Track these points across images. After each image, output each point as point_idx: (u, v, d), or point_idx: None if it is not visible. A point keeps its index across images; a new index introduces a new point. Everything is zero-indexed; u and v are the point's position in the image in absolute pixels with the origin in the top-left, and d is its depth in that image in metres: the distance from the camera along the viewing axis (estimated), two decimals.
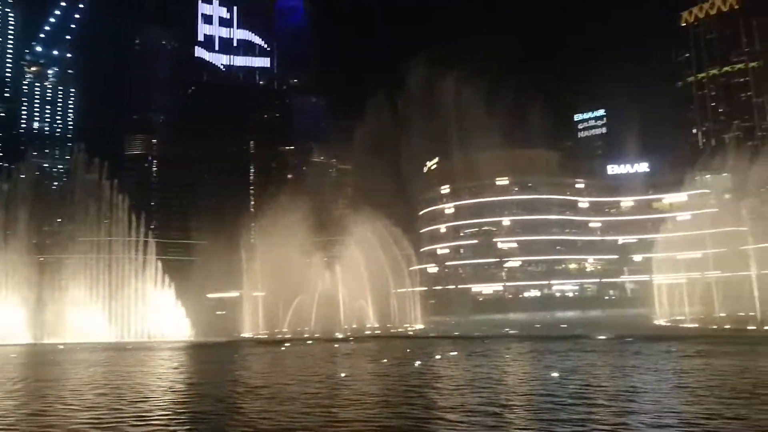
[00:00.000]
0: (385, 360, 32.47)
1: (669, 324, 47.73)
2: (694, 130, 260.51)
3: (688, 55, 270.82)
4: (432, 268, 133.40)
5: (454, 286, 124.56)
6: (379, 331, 57.78)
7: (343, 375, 26.31)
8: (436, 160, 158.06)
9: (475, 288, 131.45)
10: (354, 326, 58.02)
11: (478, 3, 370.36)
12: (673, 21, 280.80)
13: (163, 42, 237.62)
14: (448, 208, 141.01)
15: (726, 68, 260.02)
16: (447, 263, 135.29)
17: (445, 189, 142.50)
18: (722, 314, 50.54)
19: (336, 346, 45.60)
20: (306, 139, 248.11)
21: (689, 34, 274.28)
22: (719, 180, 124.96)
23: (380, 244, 65.19)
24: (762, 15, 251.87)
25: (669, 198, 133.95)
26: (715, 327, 44.98)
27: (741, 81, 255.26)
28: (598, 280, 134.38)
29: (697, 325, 46.09)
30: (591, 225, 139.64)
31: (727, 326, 44.21)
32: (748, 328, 42.23)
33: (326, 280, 59.73)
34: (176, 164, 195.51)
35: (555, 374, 23.98)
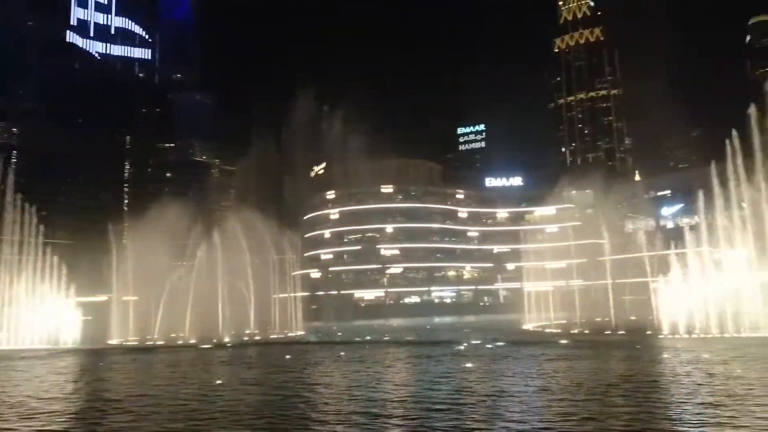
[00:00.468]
0: (263, 367, 31.71)
1: (536, 329, 50.87)
2: (563, 149, 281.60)
3: (559, 78, 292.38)
4: (315, 273, 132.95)
5: (336, 292, 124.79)
6: (258, 337, 56.44)
7: (218, 382, 25.35)
8: (323, 165, 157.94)
9: (358, 294, 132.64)
10: (232, 332, 56.19)
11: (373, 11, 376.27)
12: (548, 46, 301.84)
13: (30, 23, 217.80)
14: (333, 213, 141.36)
15: (591, 93, 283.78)
16: (330, 268, 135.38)
17: (331, 194, 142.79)
18: (582, 320, 54.77)
19: (212, 352, 43.94)
20: (188, 137, 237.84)
21: (561, 60, 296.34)
22: (583, 196, 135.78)
23: (261, 248, 63.82)
24: (624, 47, 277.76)
25: (539, 211, 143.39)
26: (575, 332, 48.48)
27: (604, 106, 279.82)
28: (474, 287, 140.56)
29: (560, 330, 49.47)
30: (469, 234, 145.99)
31: (586, 331, 47.87)
32: (605, 333, 45.98)
33: (202, 283, 57.32)
34: (41, 156, 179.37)
35: (429, 378, 24.64)
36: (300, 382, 25.74)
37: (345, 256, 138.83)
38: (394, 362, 32.99)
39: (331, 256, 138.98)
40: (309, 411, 18.67)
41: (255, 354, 41.66)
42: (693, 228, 55.32)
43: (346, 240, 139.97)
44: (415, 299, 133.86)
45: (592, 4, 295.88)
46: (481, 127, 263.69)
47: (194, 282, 55.73)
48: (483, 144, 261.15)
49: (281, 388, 23.89)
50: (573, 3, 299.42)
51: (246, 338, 55.40)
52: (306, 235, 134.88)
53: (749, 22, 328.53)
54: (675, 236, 58.09)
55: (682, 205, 58.80)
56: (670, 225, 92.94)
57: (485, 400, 19.30)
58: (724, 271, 50.06)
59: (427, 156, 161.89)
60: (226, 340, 52.80)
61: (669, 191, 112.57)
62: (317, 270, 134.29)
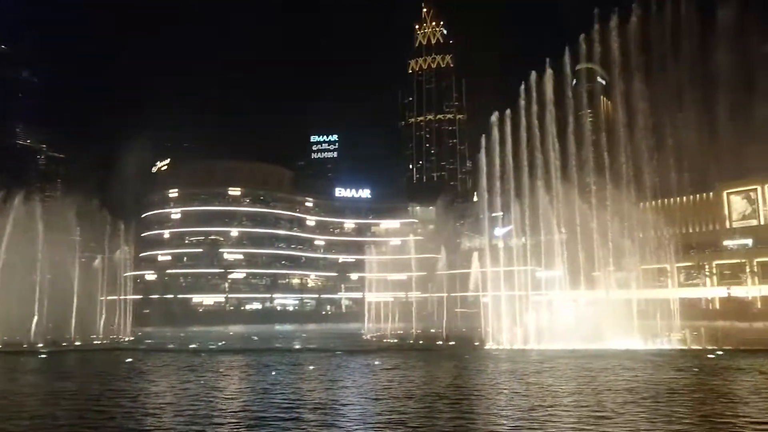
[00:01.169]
0: (79, 376, 28.99)
1: (374, 338, 52.12)
2: (411, 166, 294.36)
3: (411, 99, 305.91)
4: (150, 276, 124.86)
5: (173, 296, 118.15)
6: (78, 343, 51.54)
7: (23, 395, 22.67)
8: (167, 161, 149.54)
9: (196, 298, 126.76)
10: (48, 337, 50.75)
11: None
12: (404, 67, 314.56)
13: None
14: (175, 213, 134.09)
15: (439, 116, 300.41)
16: (168, 271, 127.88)
17: (174, 193, 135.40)
18: (419, 331, 57.00)
19: (22, 360, 39.34)
20: (9, 117, 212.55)
21: (414, 81, 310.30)
22: (426, 212, 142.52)
23: (89, 245, 58.64)
24: (470, 76, 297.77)
25: (385, 223, 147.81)
26: (411, 342, 50.42)
27: (450, 129, 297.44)
28: (317, 295, 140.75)
29: (396, 340, 51.14)
30: (316, 243, 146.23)
31: (421, 341, 49.99)
32: (437, 343, 48.35)
33: (16, 281, 51.18)
34: None
35: (264, 387, 24.13)
36: (122, 392, 23.86)
37: (185, 258, 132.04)
38: (229, 371, 31.89)
39: (169, 257, 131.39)
40: (127, 423, 17.34)
41: (73, 361, 38.00)
42: (520, 248, 60.36)
43: (186, 241, 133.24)
44: (257, 306, 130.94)
45: (444, 32, 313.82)
46: (334, 137, 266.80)
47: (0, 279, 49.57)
48: (335, 154, 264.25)
49: (98, 399, 21.98)
50: (428, 29, 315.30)
51: (65, 344, 50.35)
52: (143, 234, 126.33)
53: (575, 68, 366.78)
54: (505, 255, 62.96)
55: (512, 226, 64.08)
56: (501, 244, 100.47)
57: (317, 410, 19.29)
58: (542, 287, 55.25)
59: (279, 162, 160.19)
60: (40, 345, 47.57)
61: (502, 213, 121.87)
62: (153, 272, 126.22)
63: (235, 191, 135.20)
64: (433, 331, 56.63)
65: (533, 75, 57.35)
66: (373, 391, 23.76)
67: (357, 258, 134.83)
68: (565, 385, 24.46)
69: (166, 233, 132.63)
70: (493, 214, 71.89)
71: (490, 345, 44.79)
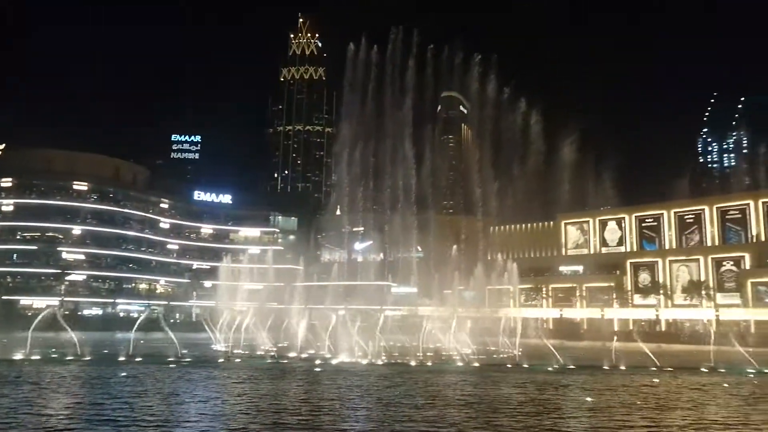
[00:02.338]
0: None
1: (225, 350, 50.22)
2: (276, 174, 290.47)
3: (281, 107, 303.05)
4: None
5: None
6: None
7: None
8: (2, 146, 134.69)
9: (25, 300, 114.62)
10: None
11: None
12: (276, 74, 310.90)
13: None
14: (7, 204, 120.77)
15: (308, 127, 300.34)
16: None
17: (7, 182, 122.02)
18: (273, 342, 55.71)
19: None
20: None
21: (285, 90, 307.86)
22: (287, 222, 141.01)
23: None
24: (341, 89, 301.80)
25: (245, 231, 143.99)
26: (264, 353, 49.29)
27: (318, 141, 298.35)
28: (166, 302, 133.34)
29: (247, 352, 49.73)
30: (169, 246, 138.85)
31: (273, 353, 49.00)
32: (289, 355, 47.71)
33: None
34: None
35: (100, 402, 22.28)
36: None
37: (15, 255, 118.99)
38: (54, 383, 28.98)
39: None
40: None
41: None
42: (378, 263, 61.76)
43: (19, 237, 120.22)
44: (97, 311, 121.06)
45: (319, 44, 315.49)
46: (197, 138, 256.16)
47: None
48: (197, 156, 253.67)
49: None
50: (303, 39, 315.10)
51: None
52: None
53: (441, 95, 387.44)
54: (363, 269, 64.09)
55: (372, 242, 65.36)
56: (360, 259, 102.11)
57: (158, 428, 18.15)
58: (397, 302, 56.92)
59: (136, 159, 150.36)
60: None
61: (363, 228, 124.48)
62: None
63: (80, 185, 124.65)
64: (286, 343, 55.80)
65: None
66: (220, 407, 22.85)
67: (213, 265, 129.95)
68: (413, 399, 25.20)
69: None
70: (354, 229, 73.16)
71: (342, 359, 45.06)
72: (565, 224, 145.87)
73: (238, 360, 43.40)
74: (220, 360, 43.21)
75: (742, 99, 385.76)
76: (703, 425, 19.74)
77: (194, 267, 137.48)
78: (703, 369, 41.53)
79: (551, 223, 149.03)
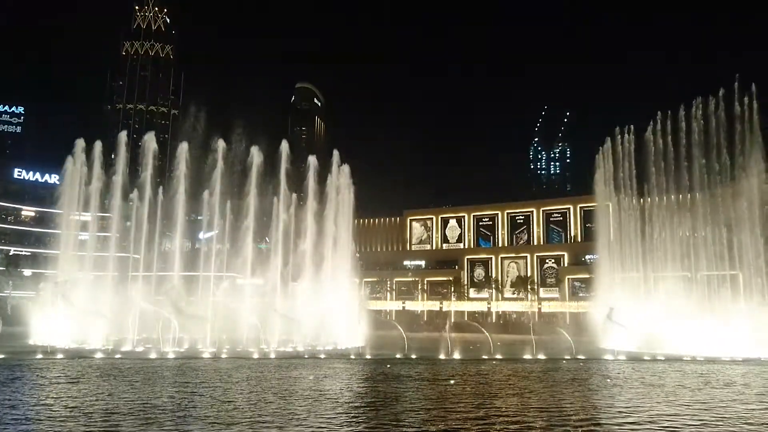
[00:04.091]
0: None
1: (41, 344, 45.41)
2: (113, 155, 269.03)
3: (122, 83, 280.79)
4: None
5: None
6: None
7: None
8: None
9: None
10: None
11: None
12: (117, 47, 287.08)
13: None
14: None
15: (152, 107, 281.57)
16: None
17: None
18: (108, 335, 50.96)
19: None
20: None
21: (127, 65, 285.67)
22: (125, 207, 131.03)
23: None
24: (189, 72, 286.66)
25: (76, 216, 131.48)
26: (95, 349, 45.45)
27: (162, 123, 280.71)
28: None
29: (73, 347, 45.54)
30: None
31: (110, 348, 45.31)
32: (124, 350, 44.50)
33: None
34: None
35: None
36: None
37: None
38: None
39: None
40: None
41: None
42: (220, 253, 59.84)
43: None
44: None
45: (168, 20, 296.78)
46: (20, 109, 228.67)
47: None
48: (19, 129, 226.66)
49: None
50: (149, 12, 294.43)
51: None
52: None
53: (295, 86, 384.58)
54: (206, 259, 61.64)
55: (216, 231, 63.23)
56: (204, 249, 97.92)
57: None
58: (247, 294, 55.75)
59: None
60: None
61: (208, 215, 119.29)
62: None
63: None
64: (115, 337, 51.90)
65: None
66: (22, 412, 20.71)
67: (33, 251, 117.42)
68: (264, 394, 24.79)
69: None
70: (199, 217, 70.01)
71: (174, 351, 43.09)
72: (411, 220, 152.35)
73: (60, 356, 39.65)
74: (38, 356, 39.19)
75: (567, 113, 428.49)
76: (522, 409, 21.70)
77: (11, 253, 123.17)
78: (527, 357, 45.69)
79: (398, 218, 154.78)
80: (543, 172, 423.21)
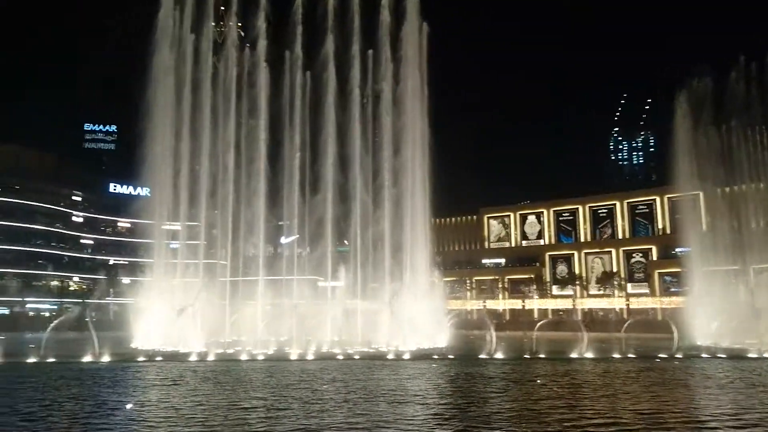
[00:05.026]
0: None
1: (146, 348, 48.14)
2: (198, 167, 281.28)
3: None
4: None
5: None
6: None
7: None
8: None
9: None
10: None
11: None
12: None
13: None
14: None
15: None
16: None
17: None
18: (205, 339, 53.05)
19: None
20: None
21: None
22: (211, 215, 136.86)
23: None
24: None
25: (167, 225, 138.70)
26: (184, 352, 47.67)
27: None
28: (81, 300, 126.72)
29: (170, 350, 47.98)
30: (83, 241, 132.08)
31: (208, 352, 47.46)
32: (219, 352, 46.42)
33: None
34: None
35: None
36: None
37: None
38: None
39: None
40: None
41: None
42: (301, 257, 61.26)
43: None
44: (3, 311, 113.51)
45: (242, 33, 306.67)
46: (113, 127, 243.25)
47: None
48: (113, 146, 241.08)
49: None
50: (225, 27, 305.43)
51: None
52: None
53: None
54: (289, 263, 63.32)
55: (298, 236, 64.93)
56: (286, 253, 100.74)
57: None
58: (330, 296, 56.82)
59: (45, 148, 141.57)
60: None
61: (287, 222, 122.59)
62: None
63: None
64: (213, 340, 54.25)
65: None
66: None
67: (131, 260, 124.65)
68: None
69: None
70: (279, 223, 71.94)
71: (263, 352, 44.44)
72: (488, 218, 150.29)
73: (160, 358, 41.89)
74: (142, 359, 41.55)
75: (649, 100, 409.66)
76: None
77: (111, 262, 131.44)
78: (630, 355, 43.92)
79: (474, 217, 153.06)
80: (625, 162, 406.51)
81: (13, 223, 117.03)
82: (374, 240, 59.56)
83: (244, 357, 42.42)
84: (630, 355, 43.82)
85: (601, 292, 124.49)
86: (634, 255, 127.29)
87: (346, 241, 65.75)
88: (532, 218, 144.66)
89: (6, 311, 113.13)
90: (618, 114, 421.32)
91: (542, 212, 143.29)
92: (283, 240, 76.48)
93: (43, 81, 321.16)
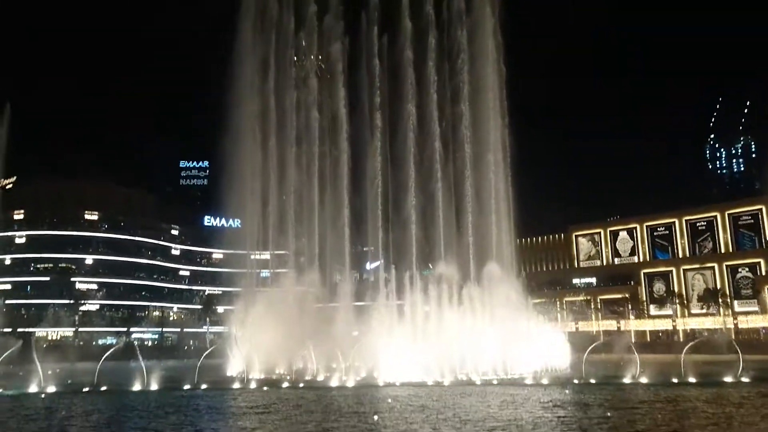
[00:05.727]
0: None
1: (242, 376, 49.73)
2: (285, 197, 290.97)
3: None
4: None
5: (11, 329, 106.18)
6: None
7: None
8: (13, 178, 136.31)
9: (40, 332, 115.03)
10: None
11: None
12: None
13: None
14: (20, 237, 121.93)
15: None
16: (7, 301, 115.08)
17: (19, 214, 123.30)
18: (297, 366, 54.08)
19: None
20: None
21: None
22: (300, 243, 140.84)
23: None
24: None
25: (256, 255, 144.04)
26: (277, 378, 48.78)
27: None
28: (179, 329, 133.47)
29: (263, 376, 49.24)
30: (181, 273, 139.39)
31: (288, 377, 48.49)
32: (306, 379, 47.26)
33: None
34: None
35: None
36: None
37: (29, 287, 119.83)
38: (86, 417, 28.84)
39: (10, 286, 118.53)
40: None
41: None
42: (388, 282, 61.43)
43: (32, 269, 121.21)
44: (111, 340, 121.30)
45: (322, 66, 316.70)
46: (205, 163, 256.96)
47: None
48: (205, 181, 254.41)
49: None
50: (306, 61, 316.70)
51: None
52: None
53: None
54: (373, 288, 63.74)
55: (381, 261, 65.45)
56: (371, 278, 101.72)
57: None
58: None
59: (146, 186, 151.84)
60: None
61: (372, 248, 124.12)
62: None
63: (91, 215, 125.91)
64: (300, 367, 55.24)
65: None
66: None
67: (224, 290, 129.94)
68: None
69: (8, 259, 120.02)
70: (364, 249, 72.81)
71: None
72: (576, 236, 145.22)
73: (253, 385, 43.12)
74: (236, 385, 42.94)
75: (748, 104, 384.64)
76: None
77: (206, 292, 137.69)
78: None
79: (562, 235, 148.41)
80: (724, 171, 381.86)
81: (122, 257, 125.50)
82: (461, 263, 58.87)
83: (334, 383, 42.81)
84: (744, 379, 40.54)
85: (704, 311, 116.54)
86: (739, 270, 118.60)
87: (430, 265, 65.46)
88: (623, 234, 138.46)
89: (113, 340, 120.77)
90: (713, 120, 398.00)
91: (635, 228, 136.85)
92: (368, 266, 77.18)
93: (144, 122, 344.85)
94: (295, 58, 68.45)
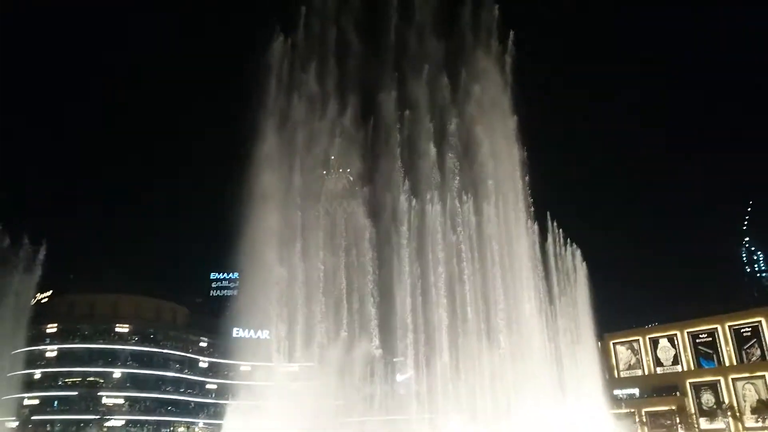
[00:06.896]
0: None
1: None
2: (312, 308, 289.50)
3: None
4: (11, 423, 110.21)
5: None
6: None
7: None
8: (49, 293, 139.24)
9: None
10: None
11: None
12: None
13: None
14: (51, 350, 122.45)
15: None
16: (33, 417, 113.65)
17: (52, 328, 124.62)
18: None
19: None
20: None
21: None
22: (328, 354, 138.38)
23: None
24: None
25: (284, 367, 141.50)
26: None
27: None
28: None
29: None
30: (208, 386, 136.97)
31: None
32: None
33: None
34: None
35: None
36: None
37: (55, 402, 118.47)
38: None
39: (37, 401, 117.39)
40: None
41: None
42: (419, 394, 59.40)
43: (60, 383, 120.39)
44: None
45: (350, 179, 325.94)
46: (235, 275, 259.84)
47: None
48: (235, 292, 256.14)
49: None
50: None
51: None
52: (9, 375, 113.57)
53: None
54: (405, 402, 61.66)
55: (412, 372, 63.69)
56: (401, 391, 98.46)
57: None
58: None
59: (176, 299, 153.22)
60: None
61: (403, 358, 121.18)
62: (15, 419, 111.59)
63: (122, 327, 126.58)
64: None
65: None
66: None
67: (252, 403, 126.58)
68: None
69: (38, 373, 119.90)
70: (394, 360, 71.28)
71: None
72: (614, 344, 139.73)
73: None
74: None
75: None
76: None
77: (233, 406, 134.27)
78: None
79: (599, 343, 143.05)
80: (764, 274, 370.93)
81: (150, 371, 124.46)
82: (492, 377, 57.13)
83: None
84: None
85: (760, 425, 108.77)
86: None
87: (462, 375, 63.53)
88: (664, 342, 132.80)
89: None
90: (746, 222, 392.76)
91: (675, 334, 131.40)
92: (399, 377, 75.22)
93: (173, 236, 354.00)
94: (324, 172, 71.21)
